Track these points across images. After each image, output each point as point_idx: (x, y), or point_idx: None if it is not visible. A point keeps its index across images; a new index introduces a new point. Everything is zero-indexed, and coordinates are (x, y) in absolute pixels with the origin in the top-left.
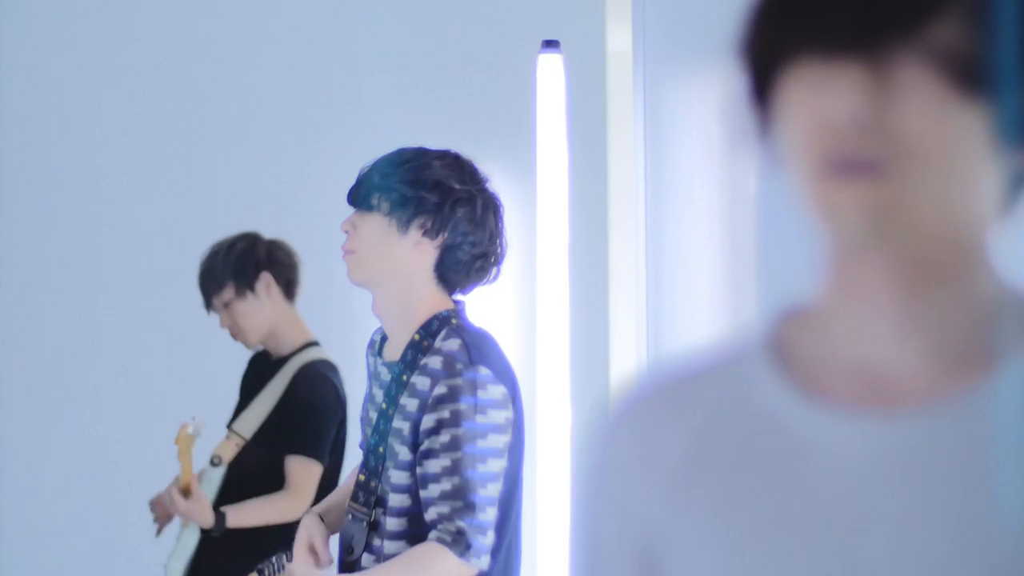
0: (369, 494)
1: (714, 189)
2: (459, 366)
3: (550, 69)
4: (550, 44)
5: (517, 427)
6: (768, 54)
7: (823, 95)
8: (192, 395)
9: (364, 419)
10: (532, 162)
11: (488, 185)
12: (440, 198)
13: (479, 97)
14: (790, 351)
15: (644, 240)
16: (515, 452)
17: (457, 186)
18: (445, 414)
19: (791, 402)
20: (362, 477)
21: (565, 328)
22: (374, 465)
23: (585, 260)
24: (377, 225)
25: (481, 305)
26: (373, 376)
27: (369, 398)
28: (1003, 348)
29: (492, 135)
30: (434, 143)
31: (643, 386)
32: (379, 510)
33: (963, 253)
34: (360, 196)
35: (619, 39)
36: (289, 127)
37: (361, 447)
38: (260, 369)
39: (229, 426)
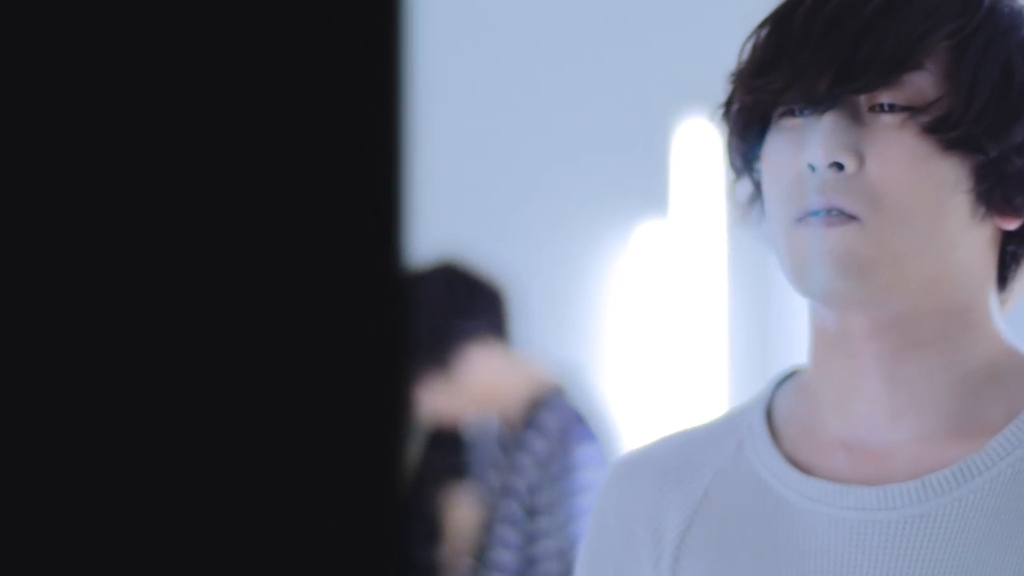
0: (477, 547)
1: None
2: (572, 426)
3: (699, 130)
4: (697, 104)
5: None
6: (754, 112)
7: (804, 147)
8: None
9: None
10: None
11: None
12: None
13: (633, 159)
14: (781, 420)
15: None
16: None
17: None
18: (560, 468)
19: (785, 472)
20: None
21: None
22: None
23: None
24: None
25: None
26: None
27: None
28: (998, 417)
29: (642, 197)
30: (591, 209)
31: (655, 445)
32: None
33: (953, 315)
34: None
35: None
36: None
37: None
38: None
39: None
